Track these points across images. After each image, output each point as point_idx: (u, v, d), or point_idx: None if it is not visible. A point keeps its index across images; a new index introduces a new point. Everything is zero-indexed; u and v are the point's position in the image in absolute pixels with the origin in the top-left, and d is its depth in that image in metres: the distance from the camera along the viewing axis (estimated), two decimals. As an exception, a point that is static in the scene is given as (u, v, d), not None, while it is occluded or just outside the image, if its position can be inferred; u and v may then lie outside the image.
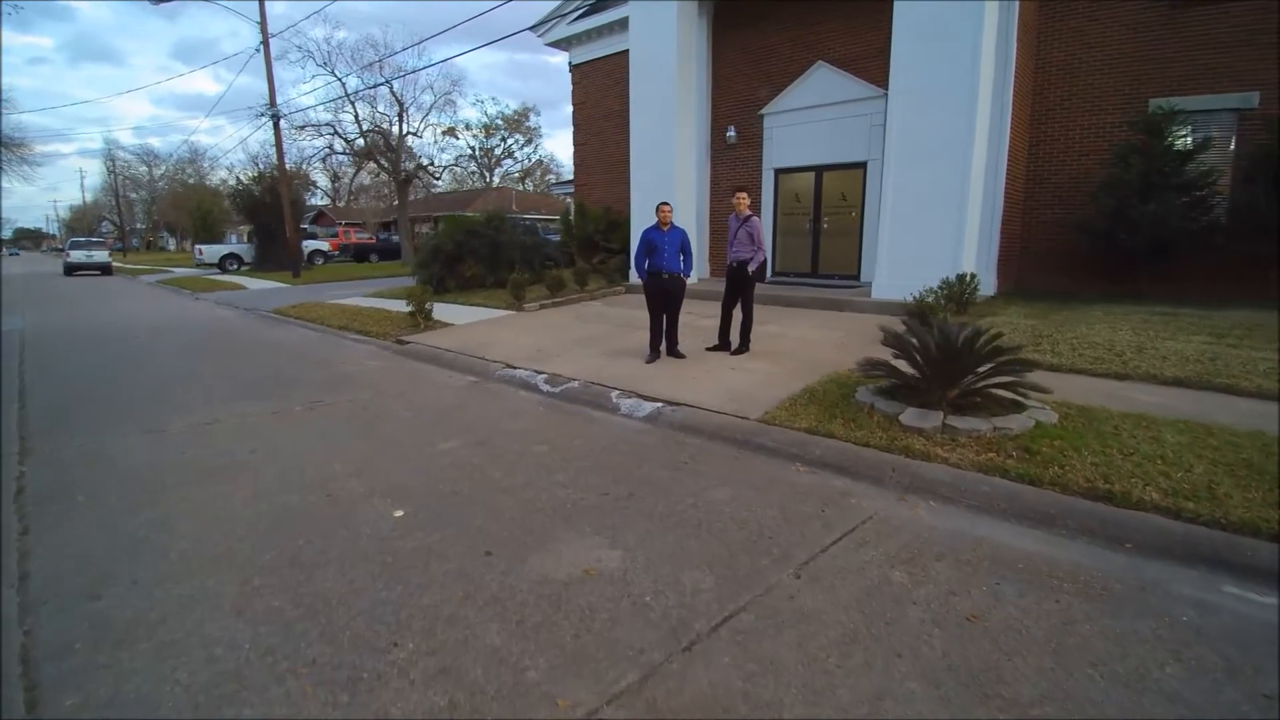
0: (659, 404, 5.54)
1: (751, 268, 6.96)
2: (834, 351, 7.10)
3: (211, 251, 28.01)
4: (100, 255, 29.50)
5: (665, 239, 6.76)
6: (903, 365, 5.17)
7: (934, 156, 9.14)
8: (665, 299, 6.88)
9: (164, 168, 59.92)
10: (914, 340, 4.94)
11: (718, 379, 6.20)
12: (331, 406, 5.77)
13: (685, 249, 6.90)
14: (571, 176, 19.38)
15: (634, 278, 10.41)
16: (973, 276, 8.36)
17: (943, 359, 4.65)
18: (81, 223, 71.48)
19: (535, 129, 51.25)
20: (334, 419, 5.38)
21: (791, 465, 4.32)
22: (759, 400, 5.44)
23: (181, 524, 3.43)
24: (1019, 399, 4.69)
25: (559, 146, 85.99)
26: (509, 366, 7.12)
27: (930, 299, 7.42)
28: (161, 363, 7.98)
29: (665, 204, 6.90)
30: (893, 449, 4.28)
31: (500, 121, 46.61)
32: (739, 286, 7.10)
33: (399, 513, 3.49)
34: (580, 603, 2.66)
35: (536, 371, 6.79)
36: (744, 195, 6.94)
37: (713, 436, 4.86)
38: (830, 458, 4.32)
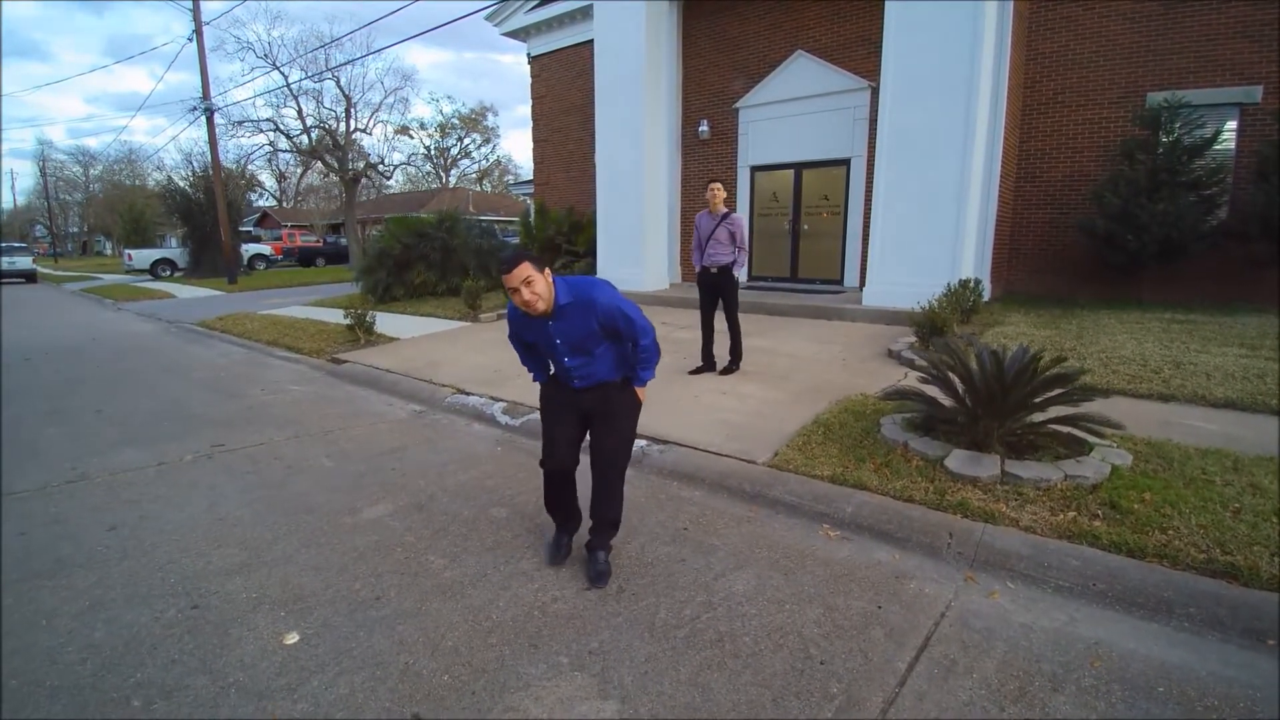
0: (643, 442, 4.57)
1: (736, 271, 6.03)
2: (836, 370, 6.24)
3: (142, 257, 26.00)
4: (23, 261, 27.12)
5: (549, 332, 2.76)
6: (932, 391, 4.34)
7: (930, 152, 8.39)
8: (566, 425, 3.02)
9: (99, 168, 56.58)
10: (950, 362, 4.10)
11: (708, 407, 5.26)
12: (233, 455, 4.62)
13: (618, 332, 2.77)
14: (530, 177, 18.29)
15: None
16: (976, 282, 7.63)
17: (993, 388, 3.80)
18: (12, 227, 66.92)
19: (493, 129, 49.87)
20: (232, 474, 4.25)
21: (819, 529, 3.41)
22: (764, 436, 4.52)
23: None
24: (1084, 436, 3.87)
25: (513, 147, 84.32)
26: (460, 392, 6.07)
27: (937, 307, 6.60)
28: (41, 393, 6.67)
29: (522, 274, 2.56)
30: (944, 506, 3.40)
31: (457, 120, 45.03)
32: (720, 294, 6.09)
33: (292, 638, 2.44)
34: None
35: (493, 399, 5.75)
36: (720, 187, 5.90)
37: (714, 488, 3.91)
38: (866, 518, 3.42)
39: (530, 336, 2.91)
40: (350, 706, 2.09)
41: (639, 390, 2.99)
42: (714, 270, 6.03)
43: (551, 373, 3.05)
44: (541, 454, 3.06)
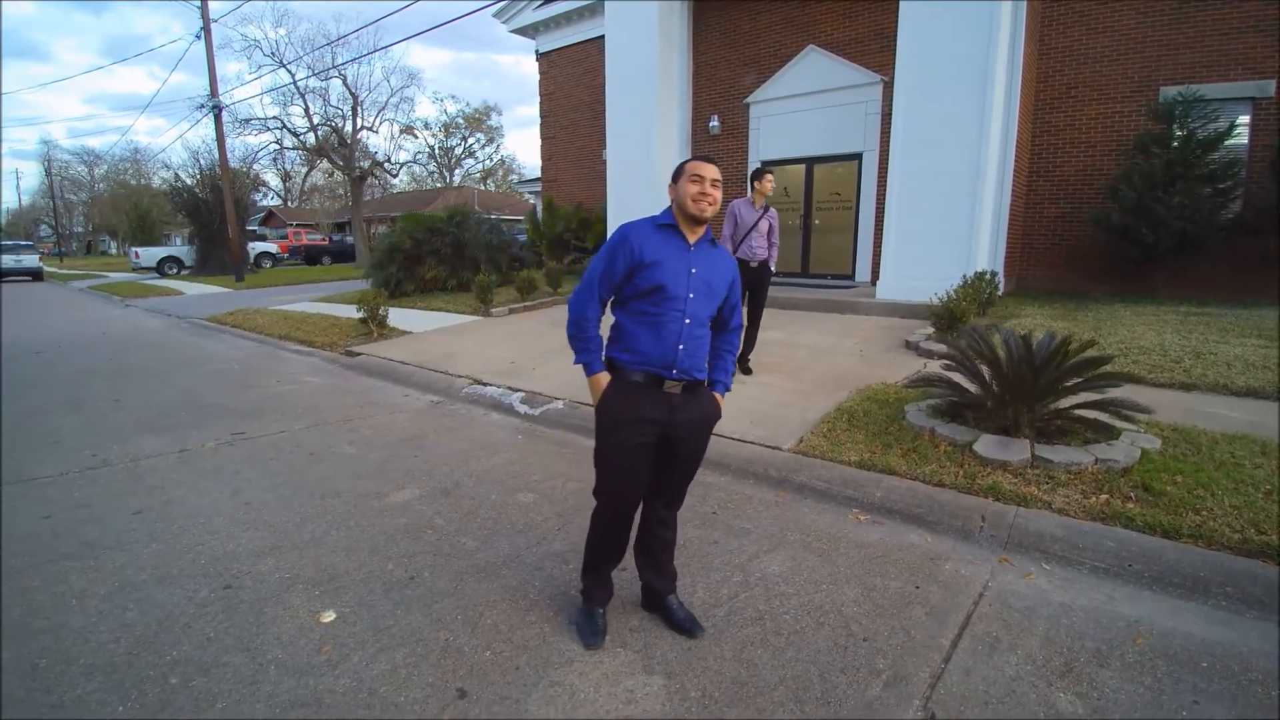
0: (664, 430, 4.54)
1: (772, 266, 5.90)
2: (855, 361, 6.21)
3: (149, 255, 26.02)
4: (29, 260, 27.20)
5: (685, 259, 2.16)
6: (958, 378, 4.31)
7: (944, 146, 8.36)
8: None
9: (104, 168, 56.79)
10: (977, 348, 4.07)
11: (730, 395, 5.22)
12: (255, 442, 4.61)
13: (728, 301, 2.33)
14: (534, 175, 18.29)
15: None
16: (992, 275, 7.60)
17: (1022, 373, 3.77)
18: (17, 227, 67.05)
19: (497, 128, 49.87)
20: (255, 460, 4.24)
21: (848, 513, 3.39)
22: (787, 424, 4.49)
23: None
24: (1111, 421, 3.84)
25: (515, 146, 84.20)
26: (477, 383, 6.05)
27: (955, 299, 6.57)
28: (57, 385, 6.67)
29: (716, 171, 2.16)
30: (975, 490, 3.38)
31: (461, 120, 45.06)
32: (751, 289, 5.73)
33: (329, 616, 2.42)
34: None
35: (511, 389, 5.73)
36: (771, 176, 5.66)
37: (740, 473, 3.89)
38: (896, 502, 3.39)
39: (652, 254, 2.09)
40: (393, 682, 2.07)
41: (719, 398, 2.33)
42: (753, 265, 5.70)
43: (618, 363, 2.16)
44: (600, 488, 2.23)
